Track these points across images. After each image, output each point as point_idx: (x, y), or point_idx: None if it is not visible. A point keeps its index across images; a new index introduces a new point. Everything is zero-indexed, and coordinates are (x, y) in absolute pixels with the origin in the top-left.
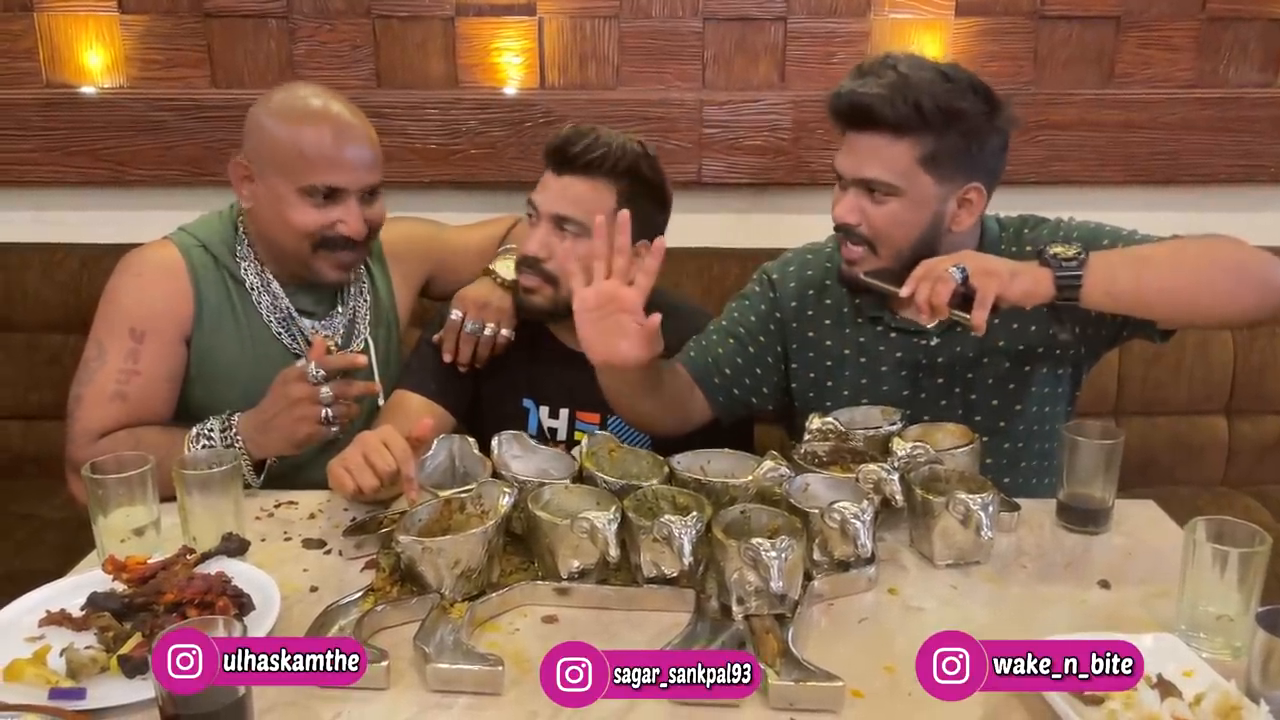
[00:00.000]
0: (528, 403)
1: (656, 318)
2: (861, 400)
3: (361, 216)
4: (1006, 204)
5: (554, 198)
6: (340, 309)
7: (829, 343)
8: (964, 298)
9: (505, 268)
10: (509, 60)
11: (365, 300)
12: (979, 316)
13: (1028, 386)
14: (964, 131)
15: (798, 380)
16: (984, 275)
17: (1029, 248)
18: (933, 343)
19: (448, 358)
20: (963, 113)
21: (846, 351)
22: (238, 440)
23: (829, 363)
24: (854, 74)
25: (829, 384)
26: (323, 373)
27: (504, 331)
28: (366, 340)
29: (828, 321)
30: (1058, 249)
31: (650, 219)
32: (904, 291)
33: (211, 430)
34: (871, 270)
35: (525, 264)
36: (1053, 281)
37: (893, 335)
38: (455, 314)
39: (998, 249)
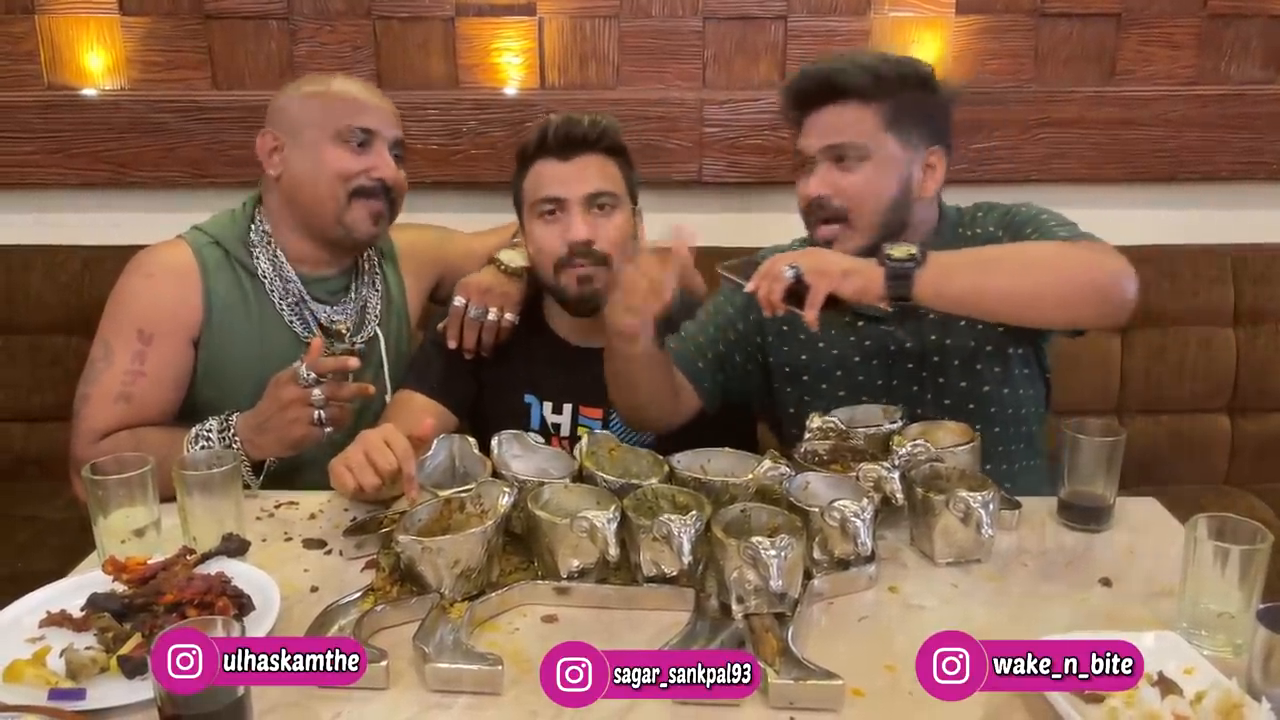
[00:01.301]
0: (530, 398)
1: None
2: (840, 391)
3: (393, 164)
4: (1007, 201)
5: (578, 179)
6: (353, 295)
7: (803, 336)
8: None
9: (511, 256)
10: (509, 60)
11: (377, 291)
12: (809, 315)
13: (992, 367)
14: (915, 97)
15: (776, 373)
16: (816, 274)
17: (978, 230)
18: (898, 330)
19: (453, 344)
20: (909, 78)
21: (821, 344)
22: (235, 441)
23: (804, 356)
24: (809, 66)
25: (805, 377)
26: (314, 375)
27: (508, 316)
28: (376, 331)
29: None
30: (894, 250)
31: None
32: (749, 287)
33: (210, 431)
34: (728, 264)
35: (580, 254)
36: (884, 281)
37: (860, 324)
38: (459, 301)
39: (955, 231)
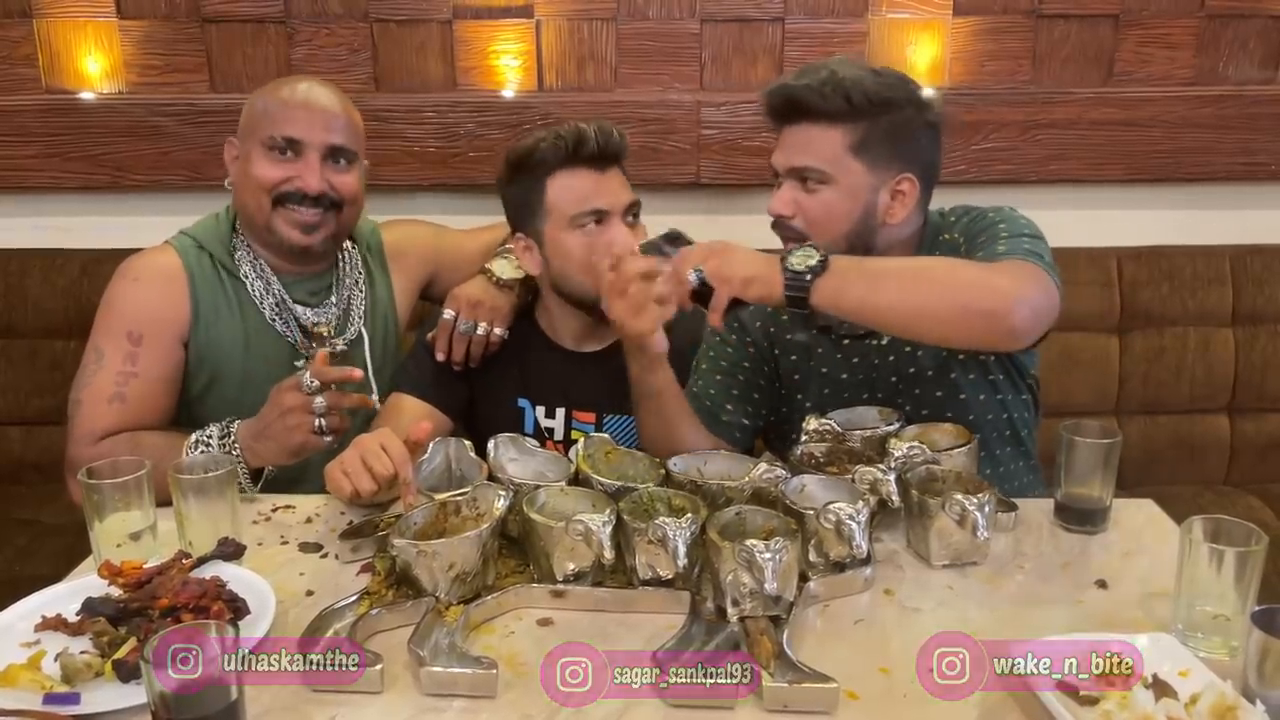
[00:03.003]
0: (523, 403)
1: None
2: (824, 402)
3: (320, 173)
4: (1005, 203)
5: (617, 190)
6: (334, 299)
7: (794, 356)
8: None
9: (502, 267)
10: (507, 63)
11: (361, 292)
12: (713, 319)
13: (967, 374)
14: (893, 121)
15: (783, 381)
16: (718, 280)
17: (947, 236)
18: (883, 341)
19: (440, 356)
20: (890, 102)
21: (811, 362)
22: (236, 448)
23: (797, 375)
24: (793, 75)
25: (798, 395)
26: (317, 383)
27: (496, 330)
28: (361, 331)
29: (789, 336)
30: (794, 258)
31: None
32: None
33: (210, 437)
34: (641, 244)
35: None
36: (783, 289)
37: (845, 342)
38: (448, 313)
39: (939, 238)
